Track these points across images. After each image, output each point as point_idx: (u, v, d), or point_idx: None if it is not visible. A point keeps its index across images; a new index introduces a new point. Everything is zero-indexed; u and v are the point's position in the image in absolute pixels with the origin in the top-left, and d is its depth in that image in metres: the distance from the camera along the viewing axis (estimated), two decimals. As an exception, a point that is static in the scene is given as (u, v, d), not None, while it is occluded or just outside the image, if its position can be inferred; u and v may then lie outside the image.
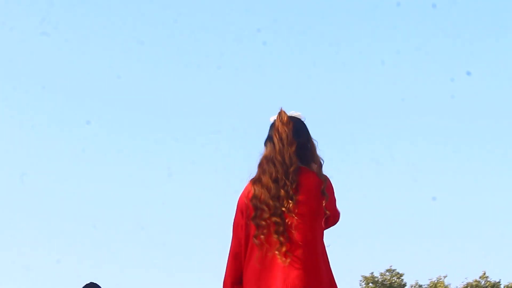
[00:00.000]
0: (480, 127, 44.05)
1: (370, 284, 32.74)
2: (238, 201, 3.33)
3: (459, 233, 41.15)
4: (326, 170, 3.36)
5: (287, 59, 43.12)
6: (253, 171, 3.34)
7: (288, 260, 3.12)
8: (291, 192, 3.18)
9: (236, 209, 3.33)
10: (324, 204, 3.23)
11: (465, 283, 32.27)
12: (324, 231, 3.30)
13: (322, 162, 3.33)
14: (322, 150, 3.40)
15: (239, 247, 3.29)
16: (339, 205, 3.41)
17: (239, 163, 41.37)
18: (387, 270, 33.23)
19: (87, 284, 5.35)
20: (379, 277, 32.97)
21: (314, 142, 3.36)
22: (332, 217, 3.32)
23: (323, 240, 3.26)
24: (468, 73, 39.43)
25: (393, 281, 32.96)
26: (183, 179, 42.06)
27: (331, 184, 3.31)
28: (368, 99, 44.26)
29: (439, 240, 40.71)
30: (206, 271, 36.27)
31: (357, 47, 43.03)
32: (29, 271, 34.74)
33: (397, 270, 33.26)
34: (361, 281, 32.43)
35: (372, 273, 33.04)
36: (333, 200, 3.32)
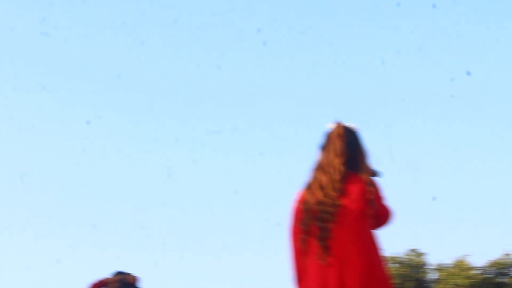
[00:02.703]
0: (480, 127, 43.77)
1: (394, 264, 32.85)
2: (293, 206, 3.52)
3: (481, 214, 41.09)
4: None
5: (287, 59, 42.83)
6: (307, 177, 3.54)
7: (331, 261, 3.29)
8: (336, 199, 3.35)
9: (292, 215, 3.50)
10: (371, 211, 3.37)
11: (488, 261, 32.35)
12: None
13: (371, 171, 3.50)
14: (372, 157, 3.59)
15: (298, 254, 3.47)
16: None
17: (239, 163, 41.58)
18: (411, 250, 33.32)
19: (115, 273, 5.72)
20: (403, 257, 33.06)
21: (365, 151, 3.55)
22: (383, 218, 3.46)
23: (370, 241, 3.36)
24: (468, 73, 39.26)
25: (417, 260, 33.06)
26: (183, 179, 41.75)
27: (378, 189, 3.45)
28: (368, 99, 43.99)
29: (462, 221, 40.68)
30: (206, 271, 36.26)
31: (357, 47, 42.76)
32: (29, 271, 34.97)
33: (421, 250, 33.35)
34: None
35: (396, 253, 33.15)
36: (381, 205, 3.44)
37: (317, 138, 3.62)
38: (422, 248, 33.26)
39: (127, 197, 40.94)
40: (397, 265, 32.58)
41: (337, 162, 3.43)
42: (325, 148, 3.54)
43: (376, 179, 3.50)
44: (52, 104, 42.21)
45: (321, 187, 3.42)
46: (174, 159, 40.38)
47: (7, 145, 41.36)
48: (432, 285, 32.67)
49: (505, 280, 31.59)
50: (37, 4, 41.92)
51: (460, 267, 31.39)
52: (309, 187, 3.48)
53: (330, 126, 3.59)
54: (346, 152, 3.47)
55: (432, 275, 33.00)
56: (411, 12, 42.82)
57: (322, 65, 43.76)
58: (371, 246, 3.36)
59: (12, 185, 42.17)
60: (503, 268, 31.93)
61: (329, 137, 3.55)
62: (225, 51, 44.18)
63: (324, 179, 3.43)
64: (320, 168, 3.49)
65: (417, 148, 42.11)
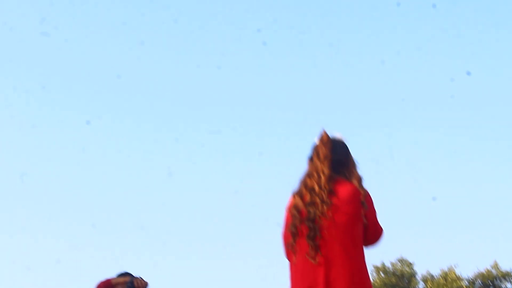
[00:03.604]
0: (480, 127, 43.94)
1: (381, 274, 32.78)
2: (284, 215, 3.58)
3: (470, 224, 41.12)
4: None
5: (287, 59, 43.02)
6: (295, 185, 3.60)
7: (319, 260, 3.32)
8: (325, 197, 3.41)
9: (284, 223, 3.57)
10: (363, 213, 3.43)
11: (476, 272, 32.28)
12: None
13: (361, 179, 3.54)
14: (361, 169, 3.63)
15: (289, 258, 3.51)
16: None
17: (239, 163, 41.61)
18: (398, 260, 33.24)
19: (121, 272, 5.26)
20: (390, 266, 32.99)
21: (353, 160, 3.61)
22: (373, 230, 3.49)
23: (360, 246, 3.41)
24: (468, 73, 39.51)
25: (404, 270, 32.98)
26: (183, 179, 41.88)
27: (370, 197, 3.51)
28: (368, 99, 44.17)
29: (450, 230, 40.69)
30: (205, 271, 36.25)
31: (357, 47, 42.94)
32: (29, 271, 34.81)
33: (408, 260, 33.28)
34: (372, 271, 32.48)
35: (383, 263, 33.07)
36: (373, 212, 3.51)
37: (313, 140, 3.71)
38: (409, 258, 33.18)
39: (127, 197, 41.03)
40: (384, 275, 32.45)
41: (323, 165, 3.51)
42: (312, 157, 3.62)
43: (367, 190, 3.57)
44: (52, 104, 42.44)
45: (310, 190, 3.48)
46: (174, 159, 40.59)
47: (7, 145, 41.55)
48: (419, 295, 32.51)
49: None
50: (37, 4, 42.04)
51: (448, 277, 31.24)
52: (298, 193, 3.54)
53: (317, 137, 3.70)
54: (330, 156, 3.54)
55: (419, 285, 32.87)
56: (411, 12, 43.06)
57: (322, 65, 43.93)
58: (358, 248, 3.40)
59: (12, 185, 42.26)
60: (491, 280, 31.80)
61: (315, 147, 3.63)
62: (225, 51, 44.33)
63: (311, 182, 3.50)
64: (308, 175, 3.56)
65: (417, 147, 42.24)
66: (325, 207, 3.38)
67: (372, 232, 3.48)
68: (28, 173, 40.41)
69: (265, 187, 42.98)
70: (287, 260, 3.54)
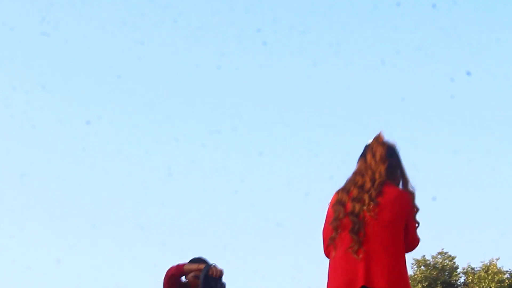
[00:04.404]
0: (480, 127, 43.48)
1: (422, 267, 32.78)
2: (327, 210, 3.64)
3: (509, 217, 40.78)
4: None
5: (287, 59, 42.79)
6: (343, 182, 3.66)
7: (361, 255, 3.39)
8: (373, 195, 3.47)
9: (325, 219, 3.62)
10: (414, 224, 3.54)
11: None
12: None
13: (413, 190, 3.61)
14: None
15: (329, 255, 3.58)
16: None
17: (238, 163, 41.34)
18: (439, 253, 33.19)
19: (194, 258, 4.91)
20: (431, 260, 32.96)
21: (405, 168, 3.66)
22: (411, 239, 3.57)
23: (399, 245, 3.49)
24: (468, 73, 39.21)
25: (445, 264, 32.93)
26: (183, 179, 41.53)
27: (417, 207, 3.60)
28: (368, 99, 43.86)
29: (491, 223, 40.34)
30: None
31: (357, 47, 42.67)
32: (29, 271, 35.31)
33: (449, 253, 33.21)
34: (412, 264, 32.52)
35: (423, 256, 33.06)
36: (415, 222, 3.60)
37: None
38: (450, 251, 33.10)
39: (127, 197, 40.84)
40: (425, 268, 32.43)
41: (380, 166, 3.54)
42: (364, 155, 3.64)
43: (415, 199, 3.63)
44: (52, 104, 42.44)
45: (359, 187, 3.52)
46: (174, 159, 40.31)
47: (7, 145, 41.49)
48: (461, 288, 32.45)
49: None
50: (37, 4, 42.03)
51: (489, 271, 31.15)
52: (344, 189, 3.58)
53: (371, 138, 3.73)
54: (387, 160, 3.58)
55: (460, 279, 32.81)
56: (411, 12, 42.83)
57: (322, 65, 43.71)
58: (398, 247, 3.46)
59: (12, 184, 42.59)
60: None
61: (370, 146, 3.66)
62: (225, 51, 44.18)
63: (363, 180, 3.53)
64: (359, 172, 3.59)
65: (417, 148, 41.87)
66: (372, 205, 3.44)
67: (411, 240, 3.56)
68: (28, 173, 40.32)
69: (265, 187, 42.49)
70: (325, 256, 3.60)
